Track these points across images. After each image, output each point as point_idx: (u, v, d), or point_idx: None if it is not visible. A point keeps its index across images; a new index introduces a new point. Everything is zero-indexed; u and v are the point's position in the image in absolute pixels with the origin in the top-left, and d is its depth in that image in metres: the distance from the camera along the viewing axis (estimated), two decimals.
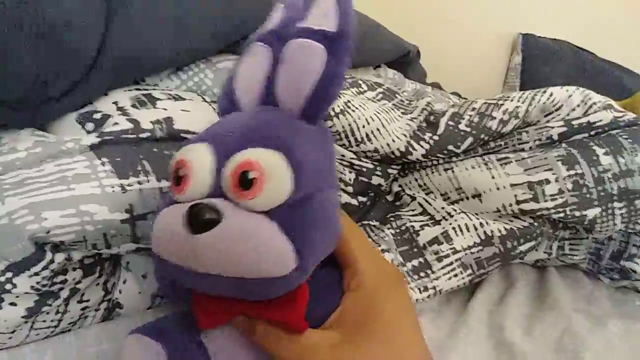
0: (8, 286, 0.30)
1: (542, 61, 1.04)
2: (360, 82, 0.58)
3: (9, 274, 0.30)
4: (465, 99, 0.83)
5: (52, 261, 0.31)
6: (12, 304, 0.31)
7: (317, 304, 0.28)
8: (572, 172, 0.47)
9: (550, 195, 0.47)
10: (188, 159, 0.25)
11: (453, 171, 0.52)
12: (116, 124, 0.38)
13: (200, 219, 0.22)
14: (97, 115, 0.39)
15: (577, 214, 0.47)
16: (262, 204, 0.23)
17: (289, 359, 0.26)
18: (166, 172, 0.28)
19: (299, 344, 0.26)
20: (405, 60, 0.83)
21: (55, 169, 0.33)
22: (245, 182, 0.23)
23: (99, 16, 0.39)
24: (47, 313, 0.34)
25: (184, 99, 0.43)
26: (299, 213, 0.24)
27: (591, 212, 0.47)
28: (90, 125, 0.38)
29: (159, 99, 0.41)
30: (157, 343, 0.27)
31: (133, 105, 0.40)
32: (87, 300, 0.36)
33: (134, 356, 0.27)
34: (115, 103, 0.40)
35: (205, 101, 0.44)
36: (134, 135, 0.37)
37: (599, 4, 1.10)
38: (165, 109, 0.40)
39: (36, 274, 0.31)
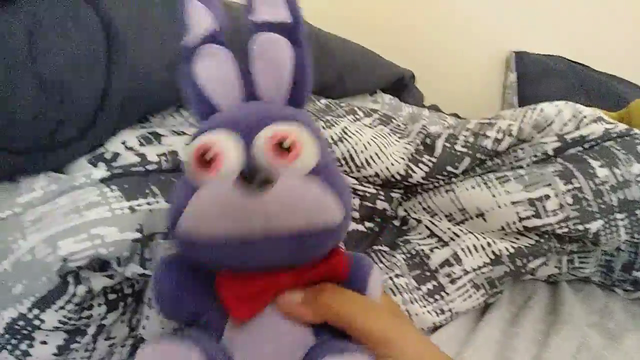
0: (37, 322, 0.33)
1: (537, 78, 1.09)
2: (356, 109, 0.63)
3: (36, 311, 0.33)
4: (464, 119, 0.87)
5: (74, 294, 0.34)
6: (43, 342, 0.35)
7: None
8: (570, 186, 0.51)
9: (552, 211, 0.51)
10: (213, 140, 0.26)
11: (454, 192, 0.55)
12: (125, 159, 0.42)
13: (262, 176, 0.24)
14: (108, 155, 0.43)
15: (580, 227, 0.51)
16: (301, 167, 0.26)
17: (357, 315, 0.28)
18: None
19: (365, 299, 0.29)
20: (400, 85, 0.88)
21: (68, 201, 0.37)
22: (282, 148, 0.25)
23: (101, 62, 0.43)
24: (77, 351, 0.37)
25: (188, 134, 0.47)
26: (329, 173, 0.27)
27: (594, 225, 0.51)
28: (102, 165, 0.42)
29: (163, 136, 0.45)
30: (188, 347, 0.25)
31: (140, 144, 0.44)
32: (114, 337, 0.39)
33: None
34: (124, 143, 0.44)
35: None
36: (142, 168, 0.41)
37: (590, 17, 1.15)
38: (170, 145, 0.44)
39: (62, 307, 0.34)
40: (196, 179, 0.26)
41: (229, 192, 0.24)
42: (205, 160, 0.25)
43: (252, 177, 0.24)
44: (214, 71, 0.31)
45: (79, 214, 0.35)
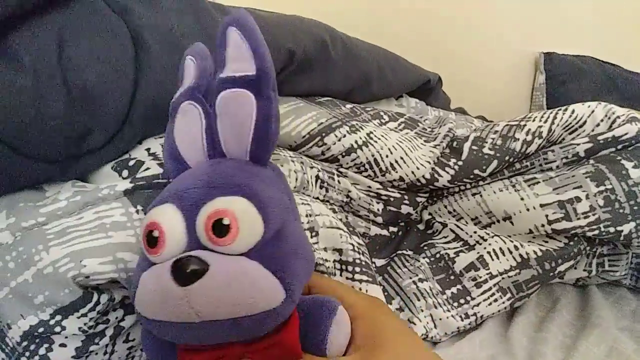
0: (57, 329, 0.33)
1: (566, 78, 1.06)
2: (381, 113, 0.62)
3: (58, 317, 0.33)
4: (491, 122, 0.86)
5: (98, 302, 0.34)
6: (62, 345, 0.34)
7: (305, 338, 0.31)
8: (602, 187, 0.49)
9: (582, 213, 0.49)
10: (158, 220, 0.27)
11: (481, 195, 0.54)
12: (148, 169, 0.42)
13: (188, 271, 0.24)
14: (131, 162, 0.43)
15: (612, 230, 0.48)
16: (239, 247, 0.26)
17: None
18: None
19: None
20: (426, 89, 0.86)
21: (93, 217, 0.37)
22: (220, 229, 0.25)
23: (129, 72, 0.44)
24: (96, 353, 0.37)
25: None
26: (274, 247, 0.27)
27: (626, 227, 0.48)
28: (125, 173, 0.42)
29: None
30: None
31: None
32: (133, 340, 0.39)
33: None
34: (148, 150, 0.44)
35: None
36: (165, 180, 0.41)
37: (619, 16, 1.12)
38: None
39: (84, 315, 0.34)
40: (146, 253, 0.27)
41: (164, 280, 0.25)
42: (152, 239, 0.26)
43: (184, 267, 0.24)
44: (185, 129, 0.32)
45: (106, 234, 0.35)
